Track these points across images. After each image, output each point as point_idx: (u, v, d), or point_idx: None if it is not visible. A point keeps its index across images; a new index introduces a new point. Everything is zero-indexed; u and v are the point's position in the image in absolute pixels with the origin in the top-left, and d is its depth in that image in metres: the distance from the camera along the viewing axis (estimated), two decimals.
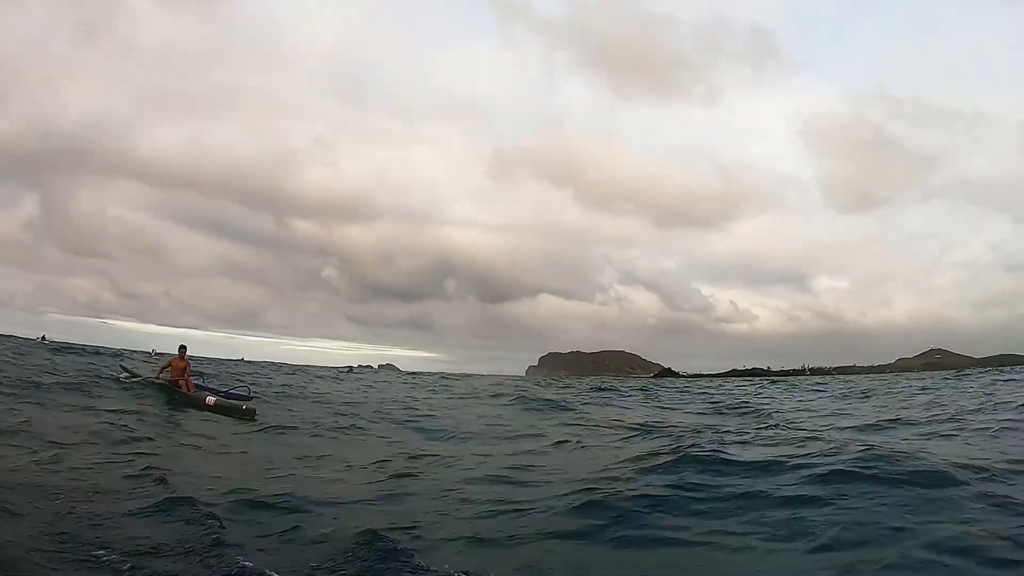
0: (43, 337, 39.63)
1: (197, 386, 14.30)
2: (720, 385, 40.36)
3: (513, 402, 17.27)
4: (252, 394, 14.39)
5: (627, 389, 28.45)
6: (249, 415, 12.22)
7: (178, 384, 13.70)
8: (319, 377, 33.10)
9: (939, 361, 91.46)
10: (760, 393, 24.33)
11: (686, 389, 30.59)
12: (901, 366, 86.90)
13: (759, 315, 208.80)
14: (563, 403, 16.97)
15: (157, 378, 14.28)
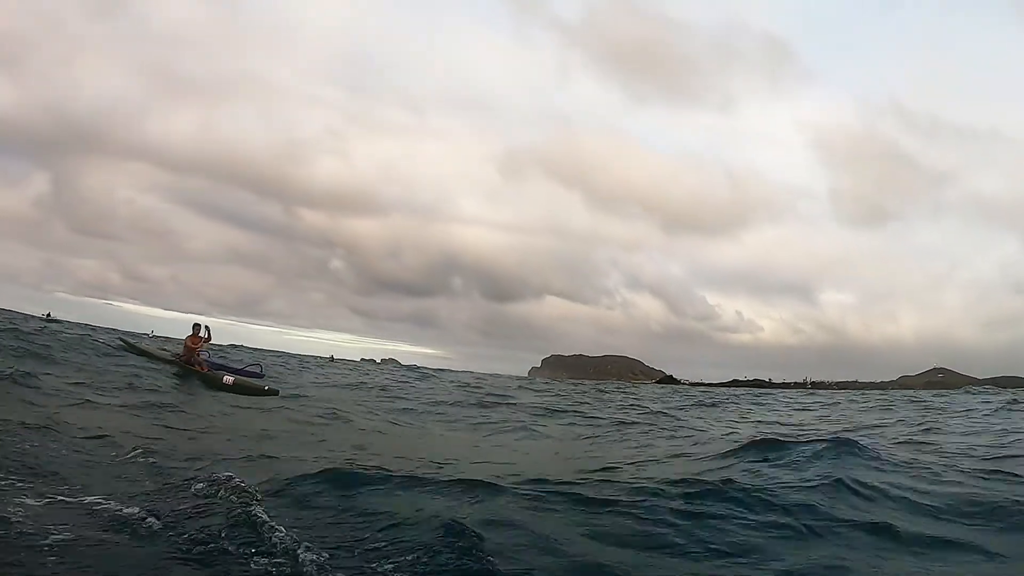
0: (48, 315, 39.73)
1: (211, 364, 13.94)
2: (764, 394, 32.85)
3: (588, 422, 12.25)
4: (264, 371, 14.19)
5: (706, 400, 21.63)
6: (272, 394, 12.17)
7: (190, 362, 13.38)
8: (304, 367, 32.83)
9: (942, 380, 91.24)
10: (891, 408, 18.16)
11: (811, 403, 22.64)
12: (904, 383, 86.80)
13: (764, 326, 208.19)
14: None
15: (175, 356, 14.02)
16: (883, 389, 79.62)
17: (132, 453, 5.51)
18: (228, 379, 12.43)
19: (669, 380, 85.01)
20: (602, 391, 29.19)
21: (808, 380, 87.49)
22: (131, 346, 16.63)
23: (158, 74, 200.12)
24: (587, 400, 20.14)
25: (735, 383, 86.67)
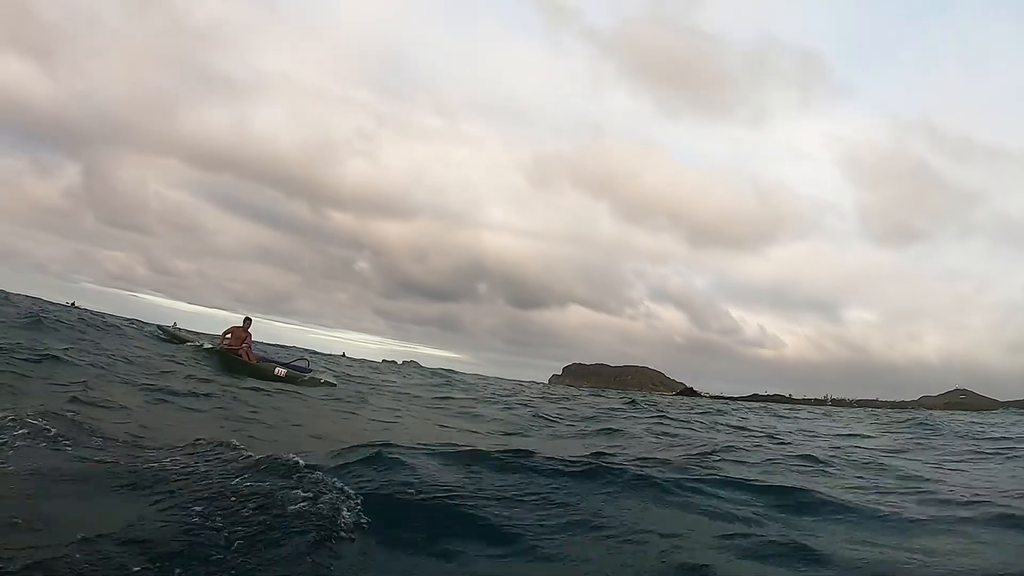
0: (73, 303, 40.84)
1: (259, 358, 13.61)
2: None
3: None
4: (310, 366, 13.76)
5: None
6: (330, 386, 12.08)
7: (237, 353, 13.06)
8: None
9: (962, 401, 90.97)
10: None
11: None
12: (924, 403, 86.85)
13: (787, 341, 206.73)
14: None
15: (222, 346, 13.52)
16: (902, 408, 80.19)
17: (214, 444, 4.43)
18: (280, 371, 12.28)
19: (689, 392, 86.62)
20: (633, 402, 22.86)
21: (828, 397, 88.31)
22: (171, 334, 16.54)
23: (192, 70, 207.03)
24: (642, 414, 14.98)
25: (755, 397, 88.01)
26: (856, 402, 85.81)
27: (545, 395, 24.33)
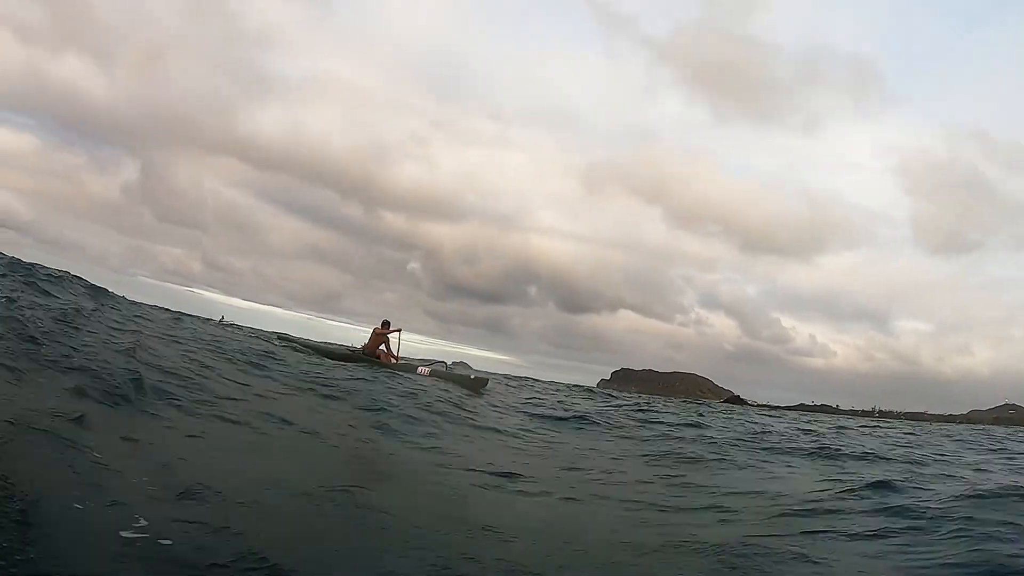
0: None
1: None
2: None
3: None
4: (449, 369, 13.27)
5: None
6: (481, 384, 11.37)
7: (376, 355, 12.84)
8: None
9: (1011, 416, 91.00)
10: None
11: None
12: (973, 417, 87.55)
13: (837, 351, 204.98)
14: None
15: (364, 350, 13.14)
16: (950, 422, 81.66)
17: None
18: (423, 370, 11.92)
19: (736, 400, 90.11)
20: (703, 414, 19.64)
21: (876, 409, 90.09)
22: (304, 344, 14.47)
23: (248, 71, 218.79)
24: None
25: (802, 407, 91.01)
26: (904, 414, 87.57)
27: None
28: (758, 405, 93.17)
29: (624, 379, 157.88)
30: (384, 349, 13.19)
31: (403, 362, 13.11)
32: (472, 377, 11.82)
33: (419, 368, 12.16)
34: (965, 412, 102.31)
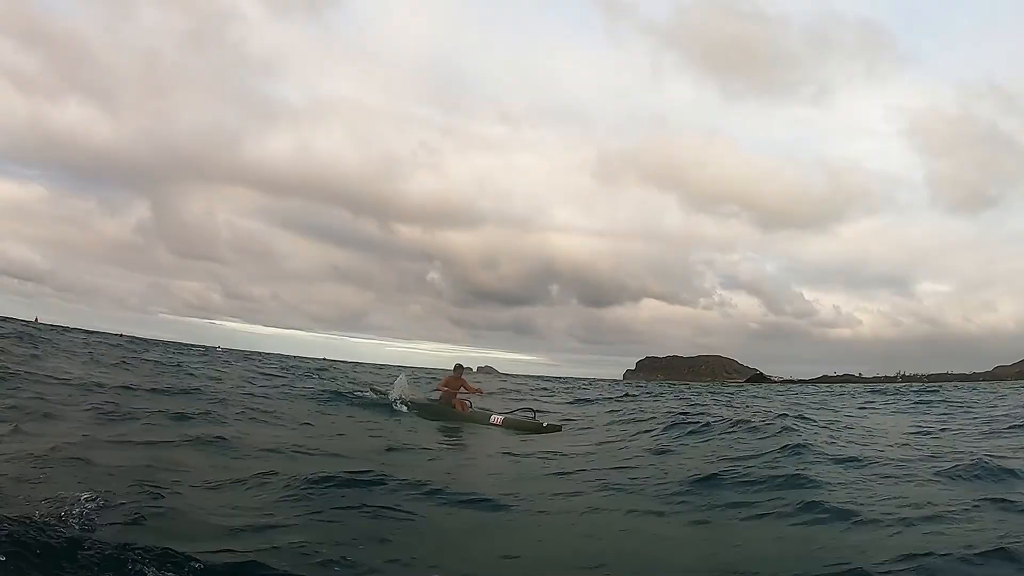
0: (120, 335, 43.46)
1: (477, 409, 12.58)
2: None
3: None
4: (536, 416, 11.98)
5: None
6: (554, 429, 10.82)
7: (452, 404, 12.36)
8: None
9: None
10: None
11: None
12: (998, 374, 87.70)
13: (862, 320, 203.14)
14: None
15: (441, 397, 12.63)
16: (974, 381, 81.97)
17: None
18: (496, 419, 11.58)
19: (759, 378, 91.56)
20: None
21: (900, 374, 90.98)
22: (375, 391, 14.60)
23: (252, 99, 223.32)
24: None
25: (824, 379, 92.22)
26: (927, 377, 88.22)
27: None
28: (782, 381, 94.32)
29: (649, 368, 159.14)
30: (460, 398, 12.60)
31: (480, 410, 12.56)
32: (544, 424, 11.15)
33: (492, 417, 11.89)
34: (991, 369, 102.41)
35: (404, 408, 12.30)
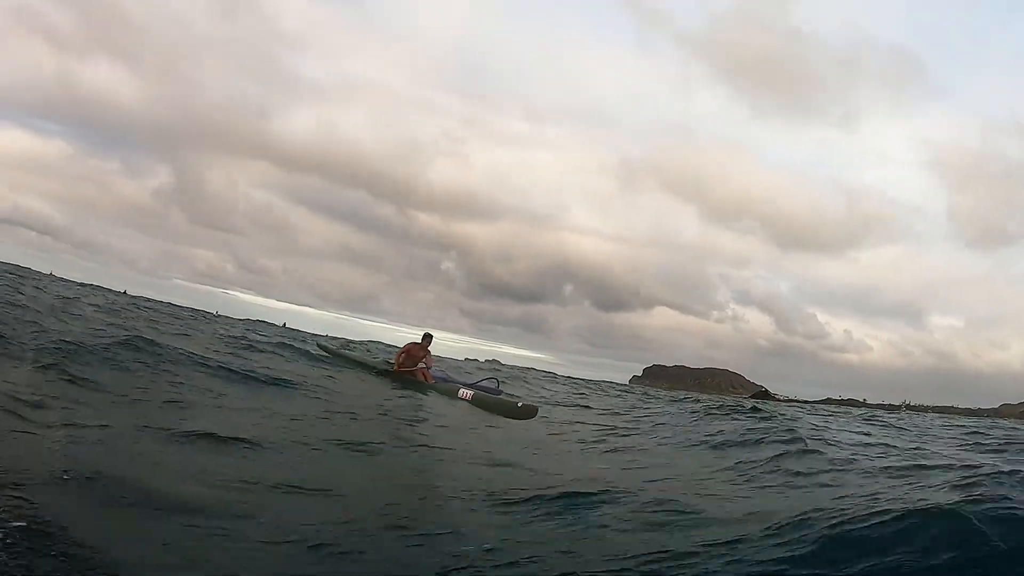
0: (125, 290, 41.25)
1: (438, 378, 12.01)
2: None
3: None
4: (500, 387, 11.68)
5: None
6: (529, 413, 9.59)
7: (412, 374, 11.79)
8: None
9: None
10: None
11: None
12: (1003, 412, 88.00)
13: (872, 347, 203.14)
14: None
15: (398, 367, 12.04)
16: (978, 416, 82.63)
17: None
18: (465, 393, 10.72)
19: (764, 395, 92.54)
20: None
21: (905, 403, 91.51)
22: (332, 352, 14.59)
23: (281, 74, 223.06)
24: None
25: (828, 401, 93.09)
26: (933, 408, 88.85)
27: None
28: (786, 400, 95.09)
29: (656, 376, 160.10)
30: (425, 367, 11.98)
31: (445, 381, 11.86)
32: (519, 405, 10.07)
33: (461, 390, 10.89)
34: (996, 406, 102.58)
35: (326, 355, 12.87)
